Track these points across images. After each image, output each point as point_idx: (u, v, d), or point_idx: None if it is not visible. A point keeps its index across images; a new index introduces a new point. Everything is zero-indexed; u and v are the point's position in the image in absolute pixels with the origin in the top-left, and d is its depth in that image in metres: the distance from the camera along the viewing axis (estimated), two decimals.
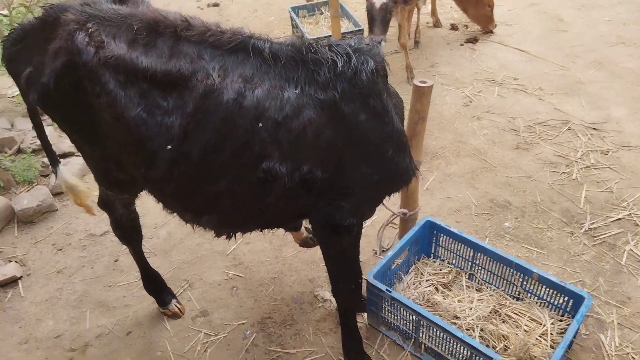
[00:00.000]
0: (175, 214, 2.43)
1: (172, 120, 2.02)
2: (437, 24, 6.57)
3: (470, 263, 3.12)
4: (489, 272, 3.06)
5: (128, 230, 2.97)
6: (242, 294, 3.36)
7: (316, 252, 3.54)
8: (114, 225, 2.96)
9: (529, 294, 2.94)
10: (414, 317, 2.73)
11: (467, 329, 2.80)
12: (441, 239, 3.21)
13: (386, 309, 2.90)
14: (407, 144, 2.31)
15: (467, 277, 3.14)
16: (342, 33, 5.22)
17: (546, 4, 6.83)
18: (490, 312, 2.88)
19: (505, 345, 2.72)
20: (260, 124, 1.99)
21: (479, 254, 3.05)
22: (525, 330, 2.77)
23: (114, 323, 3.25)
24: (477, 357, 2.50)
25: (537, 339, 2.71)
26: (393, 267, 3.06)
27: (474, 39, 6.15)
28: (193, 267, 3.59)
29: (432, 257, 3.30)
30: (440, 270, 3.20)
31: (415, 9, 5.85)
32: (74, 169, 4.39)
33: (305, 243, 3.52)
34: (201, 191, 2.18)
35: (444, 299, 3.00)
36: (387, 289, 2.77)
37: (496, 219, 3.76)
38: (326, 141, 2.06)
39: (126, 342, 3.13)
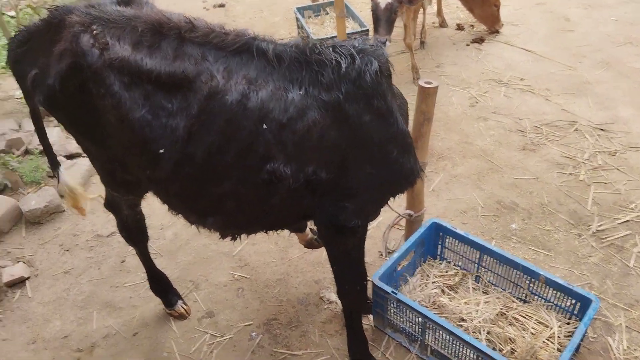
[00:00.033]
0: (180, 215, 2.43)
1: (176, 122, 2.03)
2: (443, 24, 6.55)
3: (476, 265, 3.10)
4: (496, 275, 3.04)
5: (134, 232, 2.98)
6: (248, 295, 3.36)
7: (322, 253, 3.54)
8: (120, 226, 2.97)
9: (536, 297, 2.91)
10: (420, 319, 2.71)
11: (473, 332, 2.79)
12: (447, 240, 3.20)
13: (392, 311, 2.89)
14: (411, 145, 2.30)
15: (473, 279, 3.12)
16: (348, 33, 5.21)
17: (553, 4, 6.79)
18: (497, 315, 2.86)
19: (512, 348, 2.69)
20: (265, 126, 1.99)
21: (486, 256, 3.03)
22: (532, 333, 2.74)
23: (120, 324, 3.26)
24: None
25: (544, 342, 2.69)
26: (399, 269, 3.05)
27: (480, 39, 6.12)
28: (199, 268, 3.59)
29: (438, 259, 3.29)
30: (447, 272, 3.18)
31: (421, 9, 5.84)
32: (81, 170, 4.42)
33: (310, 244, 3.52)
34: (206, 193, 2.18)
35: (450, 301, 2.98)
36: (392, 291, 2.75)
37: (503, 221, 3.74)
38: (330, 142, 2.06)
39: (133, 343, 3.14)
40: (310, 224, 3.41)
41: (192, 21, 2.07)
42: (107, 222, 3.97)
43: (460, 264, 3.20)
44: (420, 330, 2.77)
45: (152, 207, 3.73)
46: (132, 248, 3.17)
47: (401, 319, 2.87)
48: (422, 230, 3.12)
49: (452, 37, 6.33)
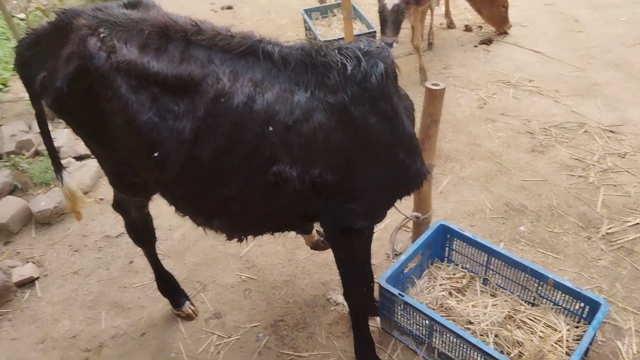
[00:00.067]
0: (187, 217, 2.44)
1: (183, 125, 2.04)
2: (450, 25, 6.53)
3: (484, 268, 3.09)
4: (504, 277, 3.02)
5: (142, 233, 3.00)
6: (255, 296, 3.37)
7: (329, 255, 3.53)
8: (128, 227, 2.99)
9: (545, 300, 2.89)
10: (427, 322, 2.70)
11: (481, 335, 2.77)
12: (455, 243, 3.18)
13: (399, 313, 2.88)
14: (418, 147, 2.29)
15: (481, 282, 3.10)
16: (355, 35, 5.21)
17: (561, 5, 6.75)
18: (504, 318, 2.84)
19: (520, 352, 2.67)
20: (271, 128, 2.00)
21: (494, 258, 3.02)
22: (540, 337, 2.72)
23: (128, 324, 3.28)
24: None
25: (552, 345, 2.67)
26: (406, 271, 3.04)
27: (489, 40, 6.09)
28: (207, 269, 3.60)
29: (445, 261, 3.27)
30: (454, 274, 3.16)
31: (429, 10, 5.82)
32: (90, 172, 4.45)
33: (316, 246, 3.52)
34: (212, 195, 2.19)
35: (458, 303, 2.96)
36: (399, 293, 2.75)
37: (511, 223, 3.72)
38: (336, 144, 2.06)
39: (140, 343, 3.16)
40: (317, 226, 3.41)
41: (198, 24, 2.09)
42: (116, 222, 4.00)
43: (468, 266, 3.18)
44: (427, 333, 2.76)
45: (160, 208, 3.75)
46: (140, 249, 3.19)
47: (408, 322, 2.86)
48: (429, 232, 3.11)
49: (460, 39, 6.30)
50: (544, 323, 2.79)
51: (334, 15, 6.32)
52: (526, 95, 5.10)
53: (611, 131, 4.50)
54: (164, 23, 2.07)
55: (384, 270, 2.93)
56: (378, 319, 3.08)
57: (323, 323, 3.14)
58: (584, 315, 2.76)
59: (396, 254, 3.38)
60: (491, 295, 3.03)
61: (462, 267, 3.20)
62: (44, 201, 4.10)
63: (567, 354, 2.63)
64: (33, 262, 3.75)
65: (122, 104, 2.05)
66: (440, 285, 3.09)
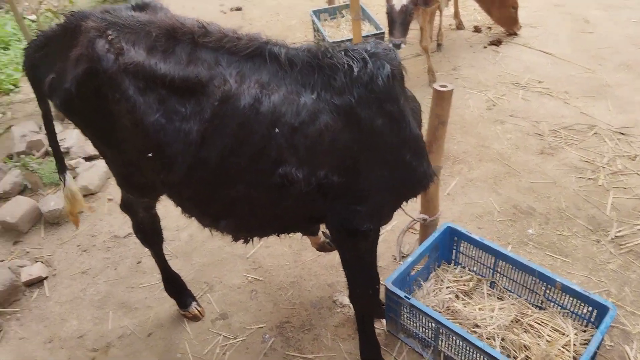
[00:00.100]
0: (194, 218, 2.45)
1: (189, 126, 2.05)
2: (459, 26, 6.50)
3: (491, 270, 3.07)
4: (511, 280, 3.00)
5: (149, 233, 3.02)
6: (262, 297, 3.37)
7: (335, 257, 3.52)
8: (136, 228, 3.01)
9: (552, 304, 2.87)
10: (433, 324, 2.69)
11: (487, 338, 2.75)
12: (462, 245, 3.17)
13: (405, 316, 2.87)
14: (424, 149, 2.28)
15: (488, 284, 3.08)
16: (363, 36, 5.20)
17: (572, 5, 6.70)
18: (511, 321, 2.82)
19: (527, 356, 2.65)
20: (277, 130, 2.00)
21: (501, 261, 3.00)
22: (547, 341, 2.70)
23: (135, 324, 3.30)
24: None
25: (559, 349, 2.64)
26: (412, 274, 3.03)
27: (498, 41, 6.06)
28: (213, 270, 3.61)
29: (452, 264, 3.26)
30: (461, 277, 3.15)
31: (438, 11, 5.80)
32: (99, 172, 4.48)
33: (322, 248, 3.52)
34: (218, 196, 2.20)
35: (465, 306, 2.95)
36: (405, 296, 2.74)
37: (519, 226, 3.69)
38: (342, 146, 2.05)
39: (147, 343, 3.17)
40: (323, 228, 3.40)
41: (205, 26, 2.09)
42: (124, 223, 4.02)
43: (475, 269, 3.16)
44: (433, 335, 2.75)
45: (168, 208, 3.76)
46: (148, 249, 3.21)
47: (414, 324, 2.85)
48: (436, 234, 3.09)
49: (469, 40, 6.27)
50: (551, 327, 2.77)
51: (343, 17, 6.32)
52: (536, 97, 5.06)
53: (621, 133, 4.45)
54: (172, 25, 2.08)
55: (390, 272, 2.92)
56: (384, 321, 3.07)
57: (329, 325, 3.14)
58: (592, 320, 2.73)
59: (403, 256, 3.37)
60: (498, 298, 3.01)
61: (469, 270, 3.18)
62: (53, 201, 4.13)
63: (575, 358, 2.60)
64: (42, 262, 3.78)
65: (129, 105, 2.06)
66: (447, 287, 3.08)
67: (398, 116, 2.09)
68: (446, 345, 2.72)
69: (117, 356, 3.12)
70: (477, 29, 6.41)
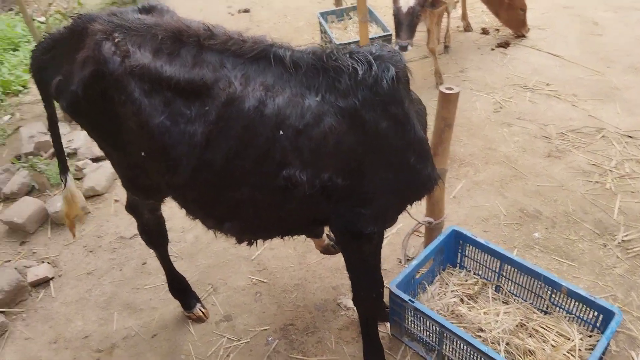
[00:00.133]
0: (198, 219, 2.46)
1: (194, 128, 2.05)
2: (467, 28, 6.48)
3: (497, 274, 3.05)
4: (517, 285, 2.98)
5: (154, 235, 3.03)
6: (266, 299, 3.37)
7: (340, 259, 3.50)
8: (141, 229, 3.02)
9: (558, 308, 2.84)
10: (438, 328, 2.68)
11: (492, 343, 2.73)
12: (467, 249, 3.15)
13: (409, 319, 2.85)
14: (429, 151, 2.28)
15: (493, 288, 3.06)
16: (371, 38, 5.20)
17: (580, 7, 6.65)
18: (516, 326, 2.80)
19: None
20: (281, 132, 2.00)
21: (506, 265, 2.98)
22: (552, 346, 2.68)
23: (140, 325, 3.31)
24: None
25: (564, 354, 2.62)
26: (417, 277, 3.02)
27: (506, 43, 6.03)
28: (218, 272, 3.62)
29: (457, 267, 3.24)
30: (466, 281, 3.13)
31: (445, 13, 5.78)
32: (106, 173, 4.50)
33: (326, 250, 3.52)
34: (223, 198, 2.20)
35: (469, 310, 2.93)
36: (410, 299, 2.72)
37: (525, 229, 3.67)
38: (347, 149, 2.05)
39: (151, 345, 3.18)
40: (327, 230, 3.40)
41: (210, 29, 2.10)
42: (130, 224, 4.03)
43: (480, 272, 3.14)
44: (437, 339, 2.73)
45: (173, 210, 3.75)
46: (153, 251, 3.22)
47: (418, 328, 2.83)
48: (441, 237, 3.08)
49: (477, 42, 6.25)
50: (557, 332, 2.75)
51: (350, 18, 6.31)
52: (543, 99, 5.03)
53: (630, 136, 4.42)
54: (177, 28, 2.08)
55: (395, 275, 2.91)
56: (388, 324, 3.06)
57: (333, 328, 3.13)
58: (598, 325, 2.71)
59: (408, 259, 3.36)
60: (503, 302, 2.99)
61: (475, 274, 3.16)
62: (60, 202, 4.14)
63: None
64: (48, 262, 3.81)
65: (135, 107, 2.07)
66: (452, 291, 3.06)
67: (403, 119, 2.08)
68: (450, 350, 2.70)
69: (122, 357, 3.13)
70: (484, 31, 6.39)
